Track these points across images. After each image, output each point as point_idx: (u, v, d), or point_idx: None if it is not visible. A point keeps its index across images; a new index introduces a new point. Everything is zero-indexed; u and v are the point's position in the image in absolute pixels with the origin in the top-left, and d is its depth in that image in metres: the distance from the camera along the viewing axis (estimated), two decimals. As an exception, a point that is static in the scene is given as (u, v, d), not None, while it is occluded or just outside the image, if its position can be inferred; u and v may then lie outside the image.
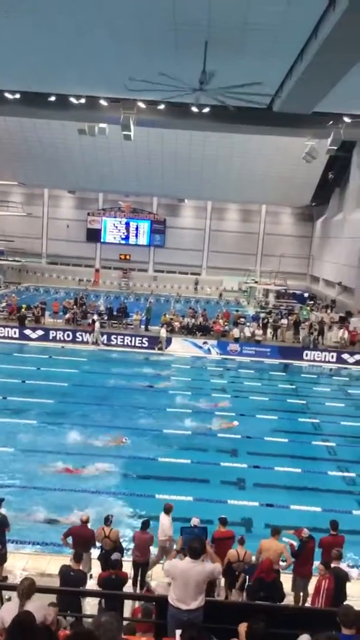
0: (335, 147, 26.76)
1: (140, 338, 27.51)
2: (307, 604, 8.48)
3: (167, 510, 9.45)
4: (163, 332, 27.44)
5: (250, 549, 8.70)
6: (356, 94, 20.31)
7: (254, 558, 8.67)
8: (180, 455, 14.78)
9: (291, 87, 18.17)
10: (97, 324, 27.54)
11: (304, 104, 20.63)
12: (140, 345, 27.11)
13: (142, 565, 9.09)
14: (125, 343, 27.22)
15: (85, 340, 26.92)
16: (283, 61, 17.05)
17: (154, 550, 9.44)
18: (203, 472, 13.97)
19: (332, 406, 20.31)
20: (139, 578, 9.03)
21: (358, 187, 35.32)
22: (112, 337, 27.26)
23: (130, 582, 8.48)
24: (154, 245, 49.10)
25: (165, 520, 9.38)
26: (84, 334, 27.19)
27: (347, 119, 24.91)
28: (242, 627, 5.02)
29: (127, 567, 8.52)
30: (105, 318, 30.10)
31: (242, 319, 31.08)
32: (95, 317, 28.63)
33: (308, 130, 26.99)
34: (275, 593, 7.84)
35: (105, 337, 27.19)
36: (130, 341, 27.23)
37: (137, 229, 48.81)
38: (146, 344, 27.15)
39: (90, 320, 28.39)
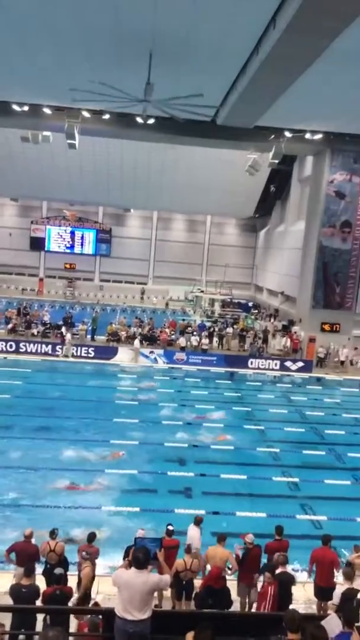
0: (277, 161, 27.57)
1: (87, 348, 27.19)
2: (254, 610, 8.58)
3: (197, 522, 9.53)
4: (137, 343, 27.33)
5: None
6: (296, 109, 21.04)
7: (208, 566, 8.72)
8: (126, 466, 14.69)
9: (234, 101, 18.63)
10: (68, 335, 27.14)
11: (246, 118, 21.20)
12: (86, 355, 26.79)
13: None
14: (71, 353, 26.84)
15: (30, 350, 26.33)
16: (226, 76, 17.46)
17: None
18: (151, 482, 13.93)
19: (276, 413, 20.74)
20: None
21: (298, 199, 36.46)
22: (57, 348, 26.79)
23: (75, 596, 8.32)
24: (99, 254, 48.76)
25: (194, 532, 9.40)
26: (27, 344, 26.60)
27: (287, 134, 25.74)
28: (190, 636, 5.03)
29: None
30: (49, 328, 29.61)
31: (189, 328, 31.34)
32: (64, 329, 28.10)
33: (250, 143, 27.69)
34: (223, 600, 7.90)
35: (50, 347, 26.73)
36: (77, 351, 26.86)
37: (82, 238, 48.34)
38: (92, 354, 26.86)
39: (57, 331, 27.79)
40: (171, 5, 12.53)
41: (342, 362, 28.04)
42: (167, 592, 8.67)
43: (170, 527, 9.17)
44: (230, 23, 13.16)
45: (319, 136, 26.04)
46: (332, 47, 12.91)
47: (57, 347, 26.77)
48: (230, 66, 16.50)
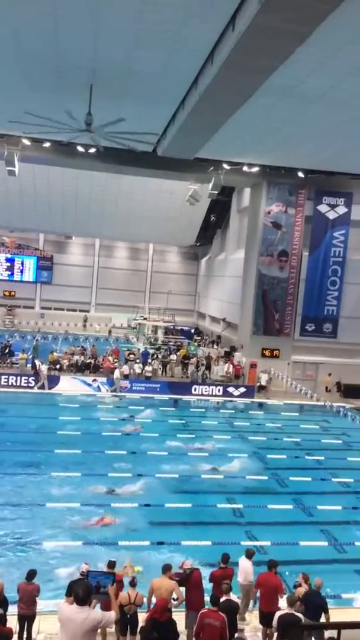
0: (216, 192, 28.37)
1: (27, 377, 26.48)
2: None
3: (249, 555, 9.63)
4: (117, 374, 26.97)
5: (142, 590, 8.55)
6: (233, 142, 21.82)
7: (145, 599, 8.53)
8: (70, 499, 14.29)
9: (174, 133, 19.08)
10: (44, 367, 26.59)
11: (186, 150, 21.74)
12: (26, 384, 26.08)
13: (28, 619, 8.54)
14: (9, 383, 26.04)
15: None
16: (166, 108, 17.92)
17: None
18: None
19: (220, 439, 20.82)
20: (25, 633, 8.46)
21: (237, 229, 37.48)
22: (31, 380, 26.22)
23: (16, 637, 7.93)
24: (40, 281, 47.95)
25: (246, 564, 9.53)
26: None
27: (226, 166, 26.60)
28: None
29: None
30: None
31: (132, 355, 31.18)
32: (37, 361, 27.33)
33: (191, 174, 28.41)
34: (168, 633, 7.74)
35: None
36: (16, 381, 26.10)
37: (22, 264, 47.43)
38: (33, 383, 26.19)
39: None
40: (111, 38, 12.82)
41: (264, 387, 28.50)
42: (112, 627, 8.40)
43: (112, 560, 8.94)
44: (169, 57, 13.58)
45: (255, 169, 27.05)
46: (268, 82, 13.54)
47: (31, 380, 26.31)
48: (170, 99, 16.96)
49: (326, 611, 8.62)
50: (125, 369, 28.60)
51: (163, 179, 31.12)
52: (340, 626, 8.68)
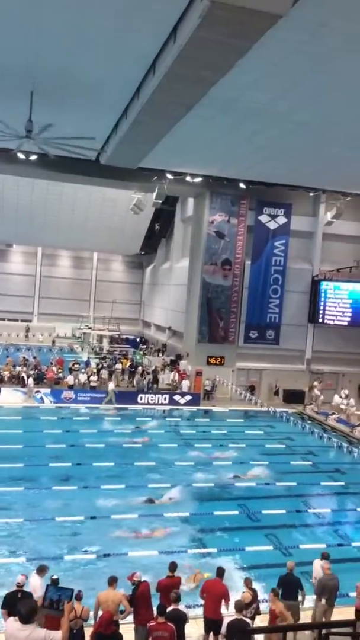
0: (160, 201, 28.52)
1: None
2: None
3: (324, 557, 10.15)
4: (111, 386, 26.60)
5: (88, 605, 8.38)
6: (176, 153, 22.04)
7: (91, 613, 8.38)
8: (10, 515, 13.86)
9: (116, 142, 19.08)
10: (30, 380, 26.21)
11: (129, 159, 21.77)
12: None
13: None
14: None
15: None
16: (108, 117, 17.89)
17: None
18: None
19: (166, 447, 20.80)
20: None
21: (182, 238, 37.84)
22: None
23: None
24: (-21, 291, 46.64)
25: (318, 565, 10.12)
26: None
27: (169, 176, 26.82)
28: None
29: None
30: None
31: (77, 365, 30.72)
32: (25, 374, 26.95)
33: (134, 183, 28.46)
34: (114, 646, 7.63)
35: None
36: None
37: None
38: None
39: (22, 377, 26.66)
40: (52, 45, 12.70)
41: (209, 392, 28.95)
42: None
43: (54, 577, 8.67)
44: (111, 65, 13.58)
45: (198, 179, 27.42)
46: (209, 94, 13.77)
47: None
48: (112, 108, 16.94)
49: (301, 588, 9.45)
50: (70, 379, 28.17)
51: (106, 187, 31.01)
52: (286, 629, 8.89)
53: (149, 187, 28.14)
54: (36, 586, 8.60)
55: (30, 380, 26.92)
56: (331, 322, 29.54)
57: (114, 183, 28.70)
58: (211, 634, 8.89)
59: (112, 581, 8.60)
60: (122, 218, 36.94)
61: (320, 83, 13.91)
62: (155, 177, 26.89)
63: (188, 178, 27.15)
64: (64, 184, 31.83)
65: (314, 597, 9.77)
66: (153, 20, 10.91)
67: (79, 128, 17.19)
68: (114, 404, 26.38)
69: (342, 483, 18.33)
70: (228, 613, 8.67)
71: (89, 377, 28.74)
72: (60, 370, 29.89)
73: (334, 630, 8.32)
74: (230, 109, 16.24)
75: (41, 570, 8.95)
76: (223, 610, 8.87)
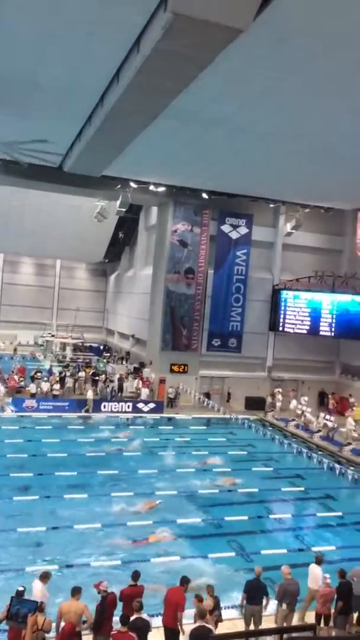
0: (124, 209, 28.55)
1: None
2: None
3: (318, 561, 10.54)
4: (90, 394, 26.39)
5: (51, 616, 8.28)
6: (140, 162, 22.16)
7: (54, 625, 8.27)
8: None
9: (80, 150, 19.04)
10: (1, 388, 25.85)
11: (93, 167, 21.76)
12: None
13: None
14: None
15: None
16: (72, 124, 17.85)
17: None
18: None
19: (130, 456, 20.71)
20: None
21: (145, 246, 37.94)
22: None
23: None
24: None
25: (316, 570, 10.33)
26: None
27: (133, 185, 26.89)
28: None
29: None
30: None
31: (39, 374, 30.29)
32: None
33: (98, 191, 28.41)
34: (76, 657, 7.54)
35: None
36: None
37: None
38: None
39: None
40: (14, 51, 12.64)
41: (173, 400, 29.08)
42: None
43: (19, 589, 8.55)
44: (75, 72, 13.59)
45: (162, 189, 27.61)
46: (172, 105, 13.95)
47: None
48: (76, 115, 16.92)
49: (267, 594, 9.63)
50: (32, 387, 27.76)
51: (69, 194, 30.84)
52: (248, 634, 9.00)
53: (112, 195, 28.14)
54: (38, 592, 8.75)
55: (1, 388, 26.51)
56: (291, 331, 30.12)
57: (78, 190, 28.58)
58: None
59: (76, 592, 8.51)
60: (85, 225, 36.74)
61: (281, 96, 14.29)
62: (119, 186, 26.93)
63: (152, 187, 27.31)
64: (28, 190, 31.47)
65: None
66: (117, 30, 11.01)
67: (42, 135, 17.12)
68: (91, 412, 26.44)
69: (302, 488, 18.64)
70: (189, 622, 8.68)
71: (52, 386, 28.37)
72: (22, 379, 29.40)
73: (294, 635, 8.48)
74: (193, 121, 16.48)
75: (44, 577, 9.04)
76: (187, 619, 8.87)
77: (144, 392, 28.62)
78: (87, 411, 26.43)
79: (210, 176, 24.27)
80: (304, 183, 23.90)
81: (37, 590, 8.80)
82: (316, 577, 10.30)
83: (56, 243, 40.38)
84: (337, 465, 20.45)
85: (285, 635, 8.93)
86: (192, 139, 18.43)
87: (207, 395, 29.55)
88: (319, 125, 16.24)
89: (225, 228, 30.33)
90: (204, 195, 28.13)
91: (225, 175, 23.69)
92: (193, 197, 28.51)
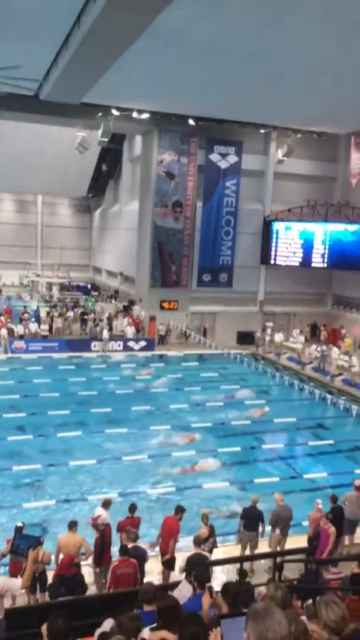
0: (106, 139, 27.31)
1: None
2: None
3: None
4: (106, 334, 27.03)
5: (50, 550, 8.46)
6: (122, 87, 20.98)
7: (53, 557, 8.45)
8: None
9: (57, 75, 17.94)
10: (3, 331, 25.90)
11: (71, 93, 20.61)
12: None
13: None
14: None
15: None
16: (47, 48, 16.73)
17: None
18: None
19: (123, 394, 20.83)
20: None
21: (130, 179, 36.69)
22: None
23: None
24: None
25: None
26: None
27: (115, 112, 25.57)
28: (44, 629, 4.83)
29: None
30: None
31: (26, 315, 29.97)
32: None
33: (78, 120, 27.04)
34: (76, 587, 7.76)
35: None
36: None
37: None
38: None
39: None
40: None
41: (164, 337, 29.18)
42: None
43: (19, 525, 8.66)
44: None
45: (146, 115, 26.21)
46: (155, 26, 12.96)
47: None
48: (51, 39, 15.76)
49: (262, 521, 9.98)
50: (20, 328, 27.54)
51: (47, 124, 29.36)
52: (242, 559, 9.27)
53: (93, 125, 26.80)
54: (103, 518, 9.19)
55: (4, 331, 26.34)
56: (283, 263, 29.74)
57: (56, 120, 27.17)
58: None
59: (72, 525, 8.74)
60: (66, 158, 35.23)
61: (268, 14, 13.30)
62: (100, 114, 25.59)
63: (135, 114, 25.93)
64: (3, 122, 29.87)
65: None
66: None
67: (15, 60, 15.95)
68: (107, 352, 26.95)
69: (294, 419, 18.98)
70: (187, 548, 8.95)
71: (39, 326, 28.12)
72: (9, 320, 29.11)
73: (287, 557, 8.75)
74: (175, 42, 15.46)
75: (106, 504, 9.62)
76: (182, 544, 9.13)
77: (130, 331, 28.45)
78: (103, 351, 26.81)
79: (196, 100, 23.07)
80: (295, 106, 22.75)
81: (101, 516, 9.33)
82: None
83: (36, 177, 38.77)
84: (328, 396, 20.76)
85: (278, 559, 9.23)
86: (175, 62, 17.39)
87: (204, 331, 29.41)
88: (301, 44, 15.28)
89: (214, 157, 29.20)
90: (191, 122, 26.86)
91: (211, 99, 22.53)
92: (179, 123, 27.20)
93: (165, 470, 14.13)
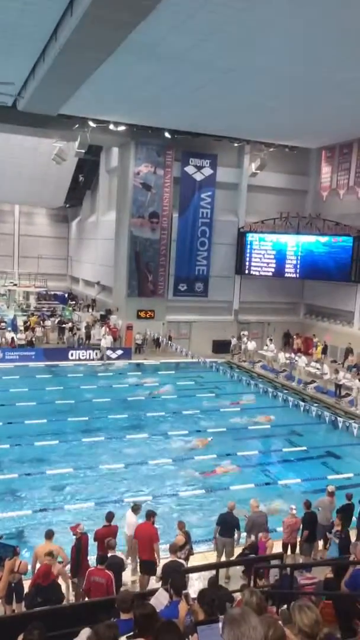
0: (83, 151, 27.44)
1: None
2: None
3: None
4: (104, 343, 27.24)
5: (27, 559, 8.51)
6: (98, 99, 21.20)
7: (29, 566, 8.49)
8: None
9: (34, 87, 18.06)
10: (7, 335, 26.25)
11: (48, 104, 20.74)
12: None
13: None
14: None
15: None
16: (25, 60, 16.87)
17: None
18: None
19: (100, 402, 20.87)
20: None
21: (107, 190, 36.84)
22: None
23: None
24: None
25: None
26: None
27: (92, 124, 25.76)
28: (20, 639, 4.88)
29: None
30: None
31: (3, 324, 29.80)
32: (7, 333, 26.64)
33: (55, 131, 27.14)
34: (52, 596, 7.80)
35: None
36: None
37: None
38: None
39: None
40: None
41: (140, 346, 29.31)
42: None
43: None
44: (26, 4, 12.66)
45: (122, 128, 26.48)
46: (131, 38, 13.21)
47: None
48: (29, 50, 15.91)
49: (238, 528, 10.14)
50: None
51: (24, 135, 29.40)
52: (218, 566, 9.42)
53: (71, 136, 26.94)
54: (131, 523, 9.79)
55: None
56: (257, 273, 30.24)
57: (34, 131, 27.26)
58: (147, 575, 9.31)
59: (49, 534, 8.77)
60: (43, 168, 35.26)
61: (241, 30, 13.69)
62: (77, 125, 25.75)
63: (112, 126, 26.17)
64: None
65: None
66: None
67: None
68: (105, 361, 27.20)
69: (268, 426, 19.27)
70: (163, 556, 9.08)
71: (16, 335, 28.00)
72: (-14, 329, 28.91)
73: (262, 564, 8.92)
74: (151, 56, 15.74)
75: (136, 509, 9.98)
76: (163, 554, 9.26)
77: (108, 340, 28.48)
78: (101, 359, 27.04)
79: (171, 114, 23.41)
80: (268, 120, 23.28)
81: (131, 519, 9.86)
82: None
83: (13, 187, 38.70)
84: (301, 403, 21.12)
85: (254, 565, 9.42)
86: (151, 75, 17.65)
87: (169, 338, 29.51)
88: (276, 60, 15.73)
89: (189, 169, 29.62)
90: (167, 135, 27.21)
91: (186, 113, 22.89)
92: (155, 136, 27.53)
93: (143, 480, 14.22)
